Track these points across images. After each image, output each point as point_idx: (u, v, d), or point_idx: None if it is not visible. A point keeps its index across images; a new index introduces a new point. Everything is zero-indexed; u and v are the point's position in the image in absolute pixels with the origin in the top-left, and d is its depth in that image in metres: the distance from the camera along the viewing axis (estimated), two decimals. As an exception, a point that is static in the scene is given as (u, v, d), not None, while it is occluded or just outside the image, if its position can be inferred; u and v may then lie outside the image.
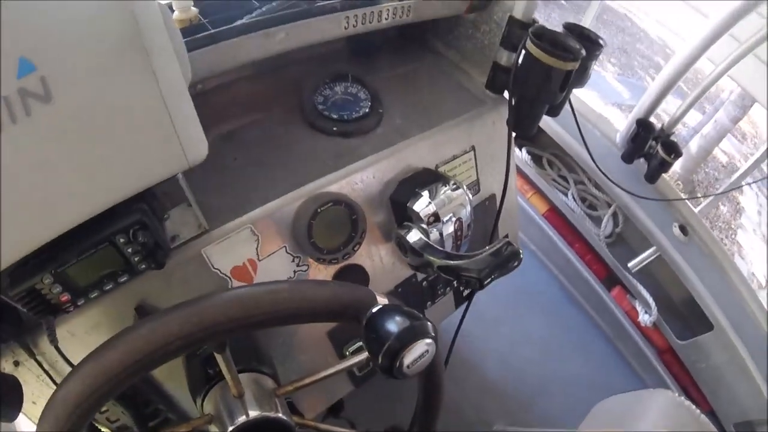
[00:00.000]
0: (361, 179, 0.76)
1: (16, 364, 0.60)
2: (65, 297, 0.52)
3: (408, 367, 0.45)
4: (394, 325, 0.45)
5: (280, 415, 0.56)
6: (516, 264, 0.65)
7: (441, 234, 0.75)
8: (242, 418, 0.54)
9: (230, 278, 0.67)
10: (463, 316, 0.95)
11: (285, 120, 0.81)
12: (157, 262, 0.57)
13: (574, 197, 1.82)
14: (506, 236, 1.06)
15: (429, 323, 0.47)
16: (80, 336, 0.60)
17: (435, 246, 0.72)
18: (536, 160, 1.94)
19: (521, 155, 1.89)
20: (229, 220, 0.66)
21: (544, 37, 0.67)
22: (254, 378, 0.60)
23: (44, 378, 0.60)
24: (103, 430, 0.66)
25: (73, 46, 0.38)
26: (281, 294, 0.46)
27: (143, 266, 0.56)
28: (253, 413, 0.55)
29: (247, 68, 0.86)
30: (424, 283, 0.93)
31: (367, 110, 0.81)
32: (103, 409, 0.64)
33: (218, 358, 0.52)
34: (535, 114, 0.78)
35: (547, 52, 0.65)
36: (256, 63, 0.70)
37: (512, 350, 1.77)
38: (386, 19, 0.78)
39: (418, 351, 0.45)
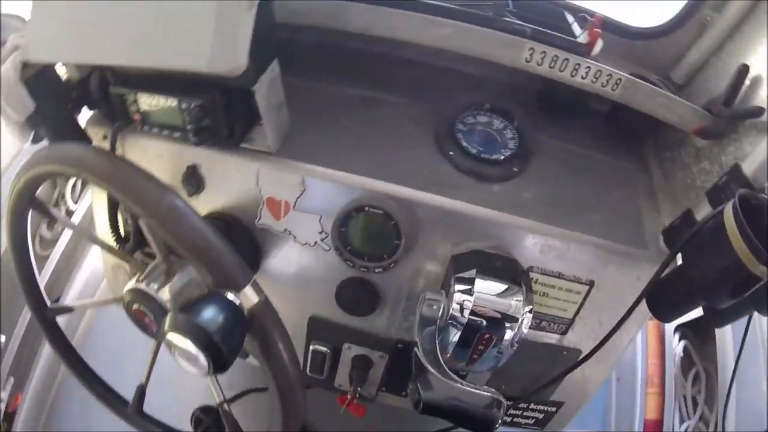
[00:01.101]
0: (441, 215, 0.65)
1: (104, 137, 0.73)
2: (137, 116, 0.63)
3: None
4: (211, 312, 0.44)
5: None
6: (483, 430, 0.53)
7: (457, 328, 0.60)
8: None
9: (263, 202, 0.68)
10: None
11: (417, 120, 0.75)
12: (202, 140, 0.61)
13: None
14: (562, 404, 0.82)
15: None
16: (139, 155, 0.69)
17: (434, 333, 0.59)
18: (687, 364, 1.43)
19: (675, 345, 1.41)
20: (294, 159, 0.66)
21: (754, 212, 0.44)
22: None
23: None
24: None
25: None
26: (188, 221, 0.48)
27: (193, 137, 0.61)
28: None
29: (416, 54, 0.83)
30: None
31: (501, 158, 0.69)
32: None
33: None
34: (681, 301, 0.55)
35: (744, 235, 0.43)
36: (427, 53, 0.66)
37: None
38: (583, 77, 0.64)
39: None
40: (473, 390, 0.53)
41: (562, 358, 0.76)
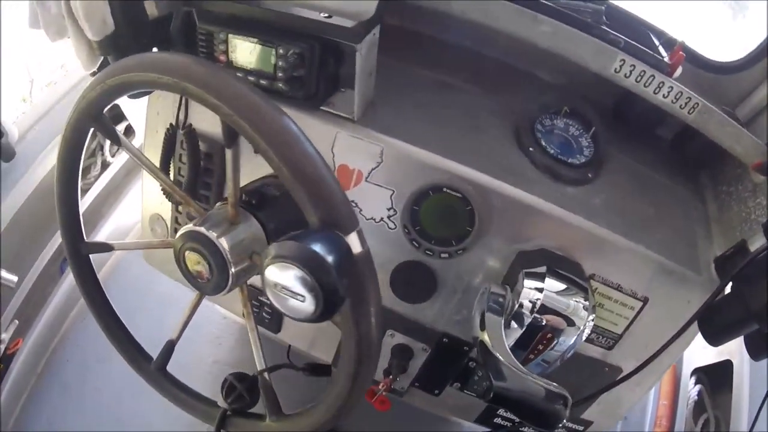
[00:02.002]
0: (517, 207, 0.64)
1: None
2: (222, 57, 0.63)
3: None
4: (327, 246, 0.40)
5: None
6: (548, 426, 0.51)
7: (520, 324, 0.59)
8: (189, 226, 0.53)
9: (335, 169, 0.67)
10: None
11: (495, 113, 0.75)
12: (291, 90, 0.61)
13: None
14: (590, 423, 0.81)
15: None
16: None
17: (501, 324, 0.57)
18: (698, 410, 1.42)
19: (690, 388, 1.40)
20: (375, 130, 0.65)
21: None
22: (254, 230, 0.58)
23: None
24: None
25: None
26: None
27: (283, 85, 0.60)
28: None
29: (497, 52, 0.83)
30: (471, 363, 0.76)
31: (577, 163, 0.69)
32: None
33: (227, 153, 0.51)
34: (734, 324, 0.57)
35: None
36: (509, 52, 0.66)
37: None
38: (665, 96, 0.64)
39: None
40: (543, 384, 0.51)
41: (602, 375, 0.75)
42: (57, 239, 1.17)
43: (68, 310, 1.26)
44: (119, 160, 1.28)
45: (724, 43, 0.91)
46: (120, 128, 1.26)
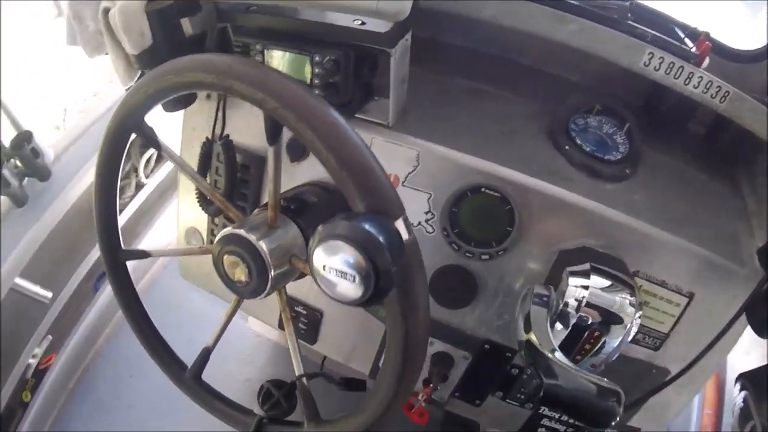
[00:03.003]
0: (557, 205, 0.64)
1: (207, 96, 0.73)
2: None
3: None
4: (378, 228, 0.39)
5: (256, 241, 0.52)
6: (602, 424, 0.49)
7: (565, 324, 0.58)
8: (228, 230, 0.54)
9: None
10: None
11: (528, 115, 0.75)
12: (327, 96, 0.62)
13: None
14: (638, 431, 0.78)
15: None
16: (245, 114, 0.71)
17: (546, 322, 0.56)
18: (745, 416, 1.37)
19: (735, 395, 1.35)
20: (410, 134, 0.66)
21: None
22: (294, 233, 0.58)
23: None
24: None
25: None
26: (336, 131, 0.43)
27: (317, 91, 0.62)
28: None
29: (525, 57, 0.84)
30: (514, 370, 0.74)
31: (614, 159, 0.68)
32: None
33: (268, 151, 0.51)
34: None
35: None
36: (537, 57, 0.66)
37: None
38: (695, 86, 0.63)
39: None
40: (595, 380, 0.50)
41: (649, 377, 0.73)
42: (92, 257, 1.19)
43: (102, 327, 1.27)
44: (153, 180, 1.31)
45: (744, 39, 0.90)
46: (153, 151, 1.29)
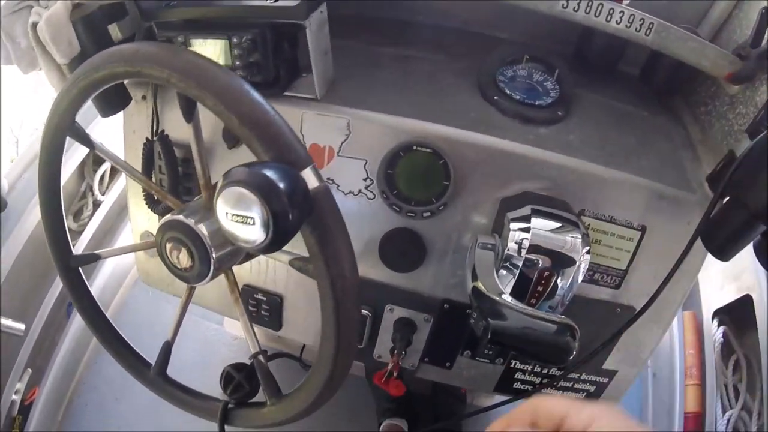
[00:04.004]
0: (491, 154, 0.63)
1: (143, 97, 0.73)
2: None
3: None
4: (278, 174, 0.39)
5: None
6: (559, 360, 0.49)
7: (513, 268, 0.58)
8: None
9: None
10: None
11: (457, 72, 0.75)
12: (251, 76, 0.61)
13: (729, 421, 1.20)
14: (615, 373, 0.78)
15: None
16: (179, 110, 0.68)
17: (492, 267, 0.56)
18: (727, 352, 1.36)
19: (713, 332, 1.34)
20: (339, 104, 0.65)
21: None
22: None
23: None
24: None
25: None
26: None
27: (241, 73, 0.61)
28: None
29: (447, 20, 0.84)
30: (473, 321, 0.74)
31: (545, 104, 0.68)
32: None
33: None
34: (740, 231, 0.54)
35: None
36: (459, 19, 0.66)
37: None
38: (617, 22, 0.63)
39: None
40: (544, 316, 0.49)
41: (615, 317, 0.73)
42: (59, 284, 1.17)
43: (80, 355, 1.26)
44: (110, 197, 1.30)
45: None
46: (106, 167, 1.28)
